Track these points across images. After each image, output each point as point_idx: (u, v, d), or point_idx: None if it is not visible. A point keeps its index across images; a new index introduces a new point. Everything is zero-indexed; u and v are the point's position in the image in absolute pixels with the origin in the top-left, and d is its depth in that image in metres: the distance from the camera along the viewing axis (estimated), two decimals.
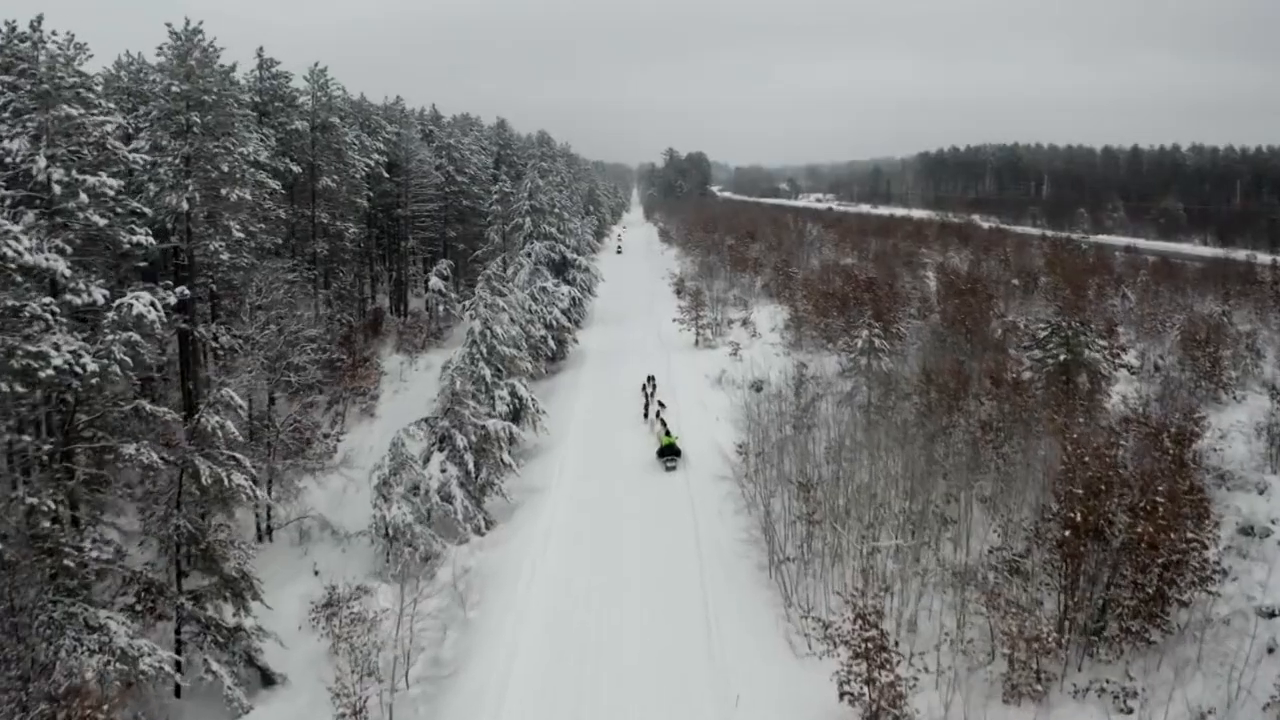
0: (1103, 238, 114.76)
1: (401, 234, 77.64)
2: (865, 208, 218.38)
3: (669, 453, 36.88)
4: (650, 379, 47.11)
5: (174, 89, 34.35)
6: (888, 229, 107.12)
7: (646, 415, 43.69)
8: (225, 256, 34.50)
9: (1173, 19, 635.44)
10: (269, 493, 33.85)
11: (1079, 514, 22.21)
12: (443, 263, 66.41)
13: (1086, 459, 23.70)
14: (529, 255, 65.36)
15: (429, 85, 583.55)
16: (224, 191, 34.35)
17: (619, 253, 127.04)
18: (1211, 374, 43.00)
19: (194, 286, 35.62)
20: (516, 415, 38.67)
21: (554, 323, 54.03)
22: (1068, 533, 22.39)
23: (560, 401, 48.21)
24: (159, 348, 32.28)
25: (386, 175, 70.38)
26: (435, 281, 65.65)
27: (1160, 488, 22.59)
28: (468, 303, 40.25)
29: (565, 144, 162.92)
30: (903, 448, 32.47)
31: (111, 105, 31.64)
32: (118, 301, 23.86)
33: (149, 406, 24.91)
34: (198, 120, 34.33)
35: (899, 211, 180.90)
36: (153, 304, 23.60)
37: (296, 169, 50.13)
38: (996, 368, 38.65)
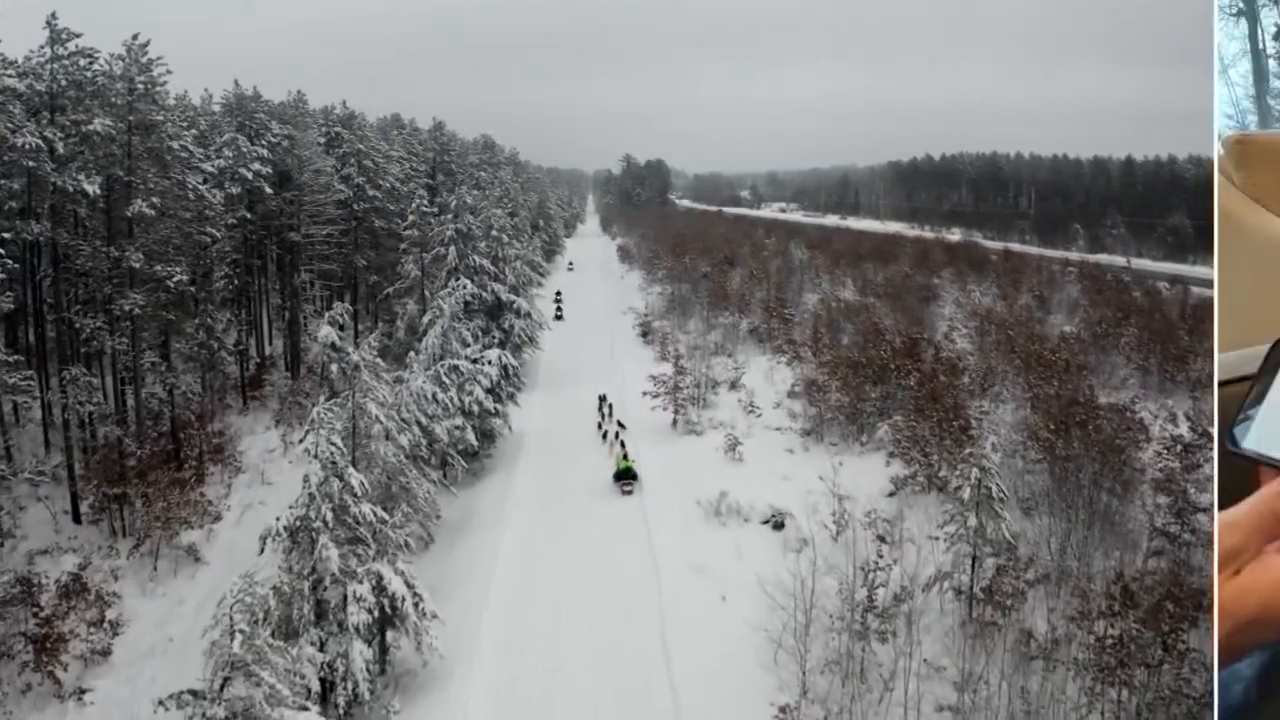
0: (1144, 264, 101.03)
1: (295, 264, 61.27)
2: (834, 218, 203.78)
3: (625, 476, 36.49)
4: (603, 398, 46.42)
5: None
6: (884, 252, 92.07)
7: (605, 437, 42.31)
8: None
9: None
10: None
11: None
12: (339, 306, 49.38)
13: None
14: (450, 294, 49.24)
15: (380, 88, 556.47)
16: None
17: (559, 317, 76.57)
18: None
19: None
20: (389, 619, 22.72)
21: (475, 407, 38.05)
22: None
23: (475, 545, 32.12)
24: None
25: (271, 191, 54.07)
26: (326, 332, 48.34)
27: None
28: (312, 415, 24.04)
29: (513, 150, 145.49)
30: None
31: None
32: None
33: None
34: None
35: (875, 225, 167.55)
36: None
37: (91, 189, 33.81)
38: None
